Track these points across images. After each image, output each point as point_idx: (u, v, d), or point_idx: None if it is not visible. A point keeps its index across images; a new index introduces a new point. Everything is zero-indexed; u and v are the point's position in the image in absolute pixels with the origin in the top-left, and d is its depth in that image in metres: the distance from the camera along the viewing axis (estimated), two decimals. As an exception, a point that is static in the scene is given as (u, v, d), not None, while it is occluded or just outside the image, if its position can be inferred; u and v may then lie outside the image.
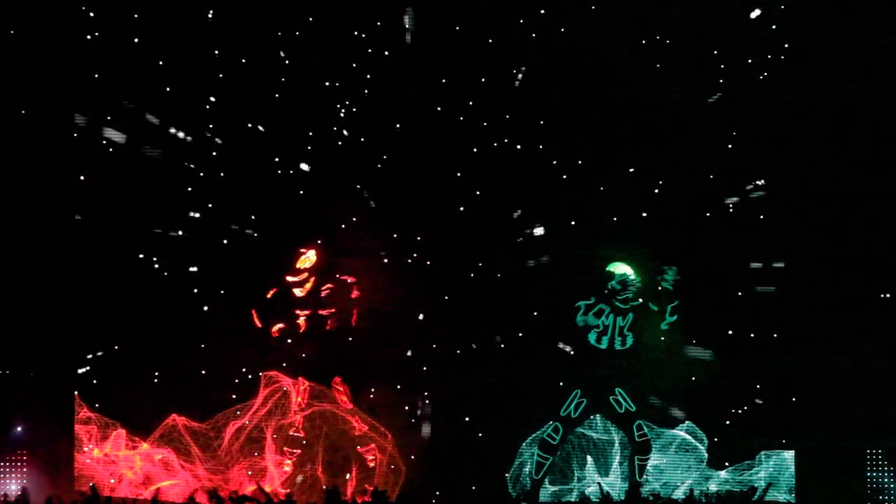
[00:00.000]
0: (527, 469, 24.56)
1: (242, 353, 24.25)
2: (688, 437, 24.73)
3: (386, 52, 24.76)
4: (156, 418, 23.89)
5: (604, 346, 24.26)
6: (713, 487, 24.20)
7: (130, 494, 23.30)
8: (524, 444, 24.80)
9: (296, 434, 24.19)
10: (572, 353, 24.48)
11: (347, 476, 24.16)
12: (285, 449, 24.14)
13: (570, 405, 24.24)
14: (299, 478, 24.04)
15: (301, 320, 24.40)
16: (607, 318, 24.13)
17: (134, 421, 23.84)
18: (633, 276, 24.07)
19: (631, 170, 25.10)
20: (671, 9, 24.73)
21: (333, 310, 24.48)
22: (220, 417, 24.06)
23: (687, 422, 24.85)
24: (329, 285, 24.48)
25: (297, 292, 24.38)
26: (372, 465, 24.19)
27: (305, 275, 24.45)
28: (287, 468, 24.12)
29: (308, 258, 24.44)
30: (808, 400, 24.73)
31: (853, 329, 24.53)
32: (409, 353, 24.69)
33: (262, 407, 24.11)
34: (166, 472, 23.77)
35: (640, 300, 24.29)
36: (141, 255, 23.95)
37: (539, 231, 24.95)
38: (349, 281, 24.46)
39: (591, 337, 24.28)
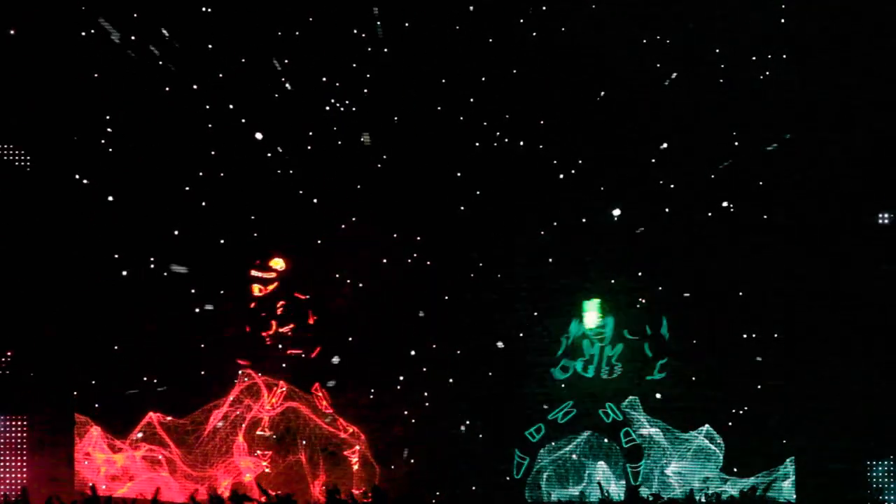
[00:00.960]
0: (544, 476, 24.57)
1: (227, 352, 24.21)
2: (706, 441, 24.67)
3: (386, 51, 24.73)
4: (135, 417, 23.85)
5: (590, 374, 24.04)
6: (734, 492, 24.14)
7: (108, 492, 23.25)
8: (543, 451, 24.78)
9: (263, 433, 24.22)
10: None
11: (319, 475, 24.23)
12: (258, 453, 24.16)
13: (560, 412, 24.08)
14: None
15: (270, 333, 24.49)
16: (593, 348, 23.93)
17: (112, 420, 23.82)
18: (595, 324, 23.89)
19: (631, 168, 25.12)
20: (671, 9, 24.71)
21: (292, 326, 24.54)
22: (198, 414, 24.01)
23: (706, 426, 24.77)
24: (283, 302, 24.51)
25: (255, 288, 24.32)
26: (356, 467, 24.24)
27: (274, 275, 24.45)
28: (267, 470, 24.16)
29: (277, 262, 24.39)
30: (806, 401, 24.67)
31: (853, 330, 24.50)
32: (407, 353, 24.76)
33: (236, 404, 24.08)
34: (148, 470, 23.73)
35: (636, 336, 24.13)
36: (138, 256, 23.98)
37: (616, 212, 24.73)
38: (303, 299, 24.48)
39: (578, 365, 24.09)
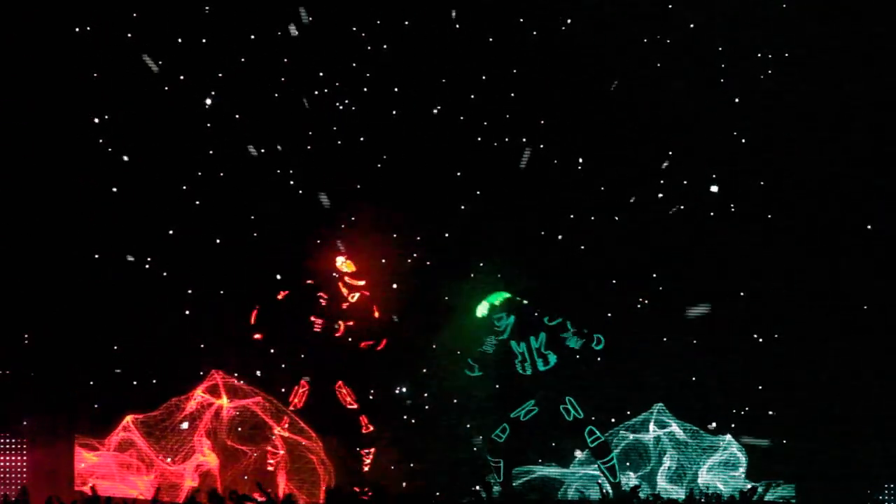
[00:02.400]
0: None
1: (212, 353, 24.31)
2: (736, 450, 24.64)
3: (385, 53, 24.70)
4: (113, 419, 23.92)
5: (529, 372, 23.83)
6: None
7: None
8: (574, 464, 24.74)
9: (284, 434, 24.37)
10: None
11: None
12: (268, 449, 24.25)
13: (522, 410, 23.88)
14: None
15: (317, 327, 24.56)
16: (520, 346, 23.73)
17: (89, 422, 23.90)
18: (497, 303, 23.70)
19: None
20: (671, 9, 24.70)
21: (351, 323, 24.65)
22: (164, 409, 24.07)
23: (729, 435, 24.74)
24: (354, 295, 24.65)
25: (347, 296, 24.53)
26: (367, 466, 24.39)
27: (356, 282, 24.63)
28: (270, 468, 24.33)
29: (348, 263, 24.54)
30: (806, 401, 24.68)
31: (854, 331, 24.52)
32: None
33: (198, 402, 24.18)
34: (119, 468, 23.80)
35: (547, 318, 23.87)
36: (134, 257, 24.01)
37: (714, 189, 24.58)
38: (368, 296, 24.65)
39: (518, 367, 23.94)
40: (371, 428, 24.48)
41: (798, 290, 24.70)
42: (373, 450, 24.43)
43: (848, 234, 24.66)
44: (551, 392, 23.64)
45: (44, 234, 23.48)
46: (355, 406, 24.53)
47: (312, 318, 24.37)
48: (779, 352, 24.82)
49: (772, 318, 24.89)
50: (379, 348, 24.52)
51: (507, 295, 23.61)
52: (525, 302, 23.56)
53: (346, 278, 24.55)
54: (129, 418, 23.67)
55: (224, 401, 24.02)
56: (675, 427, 24.60)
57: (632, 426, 24.75)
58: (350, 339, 24.55)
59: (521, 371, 23.74)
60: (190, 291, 24.14)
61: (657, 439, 24.66)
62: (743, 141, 25.01)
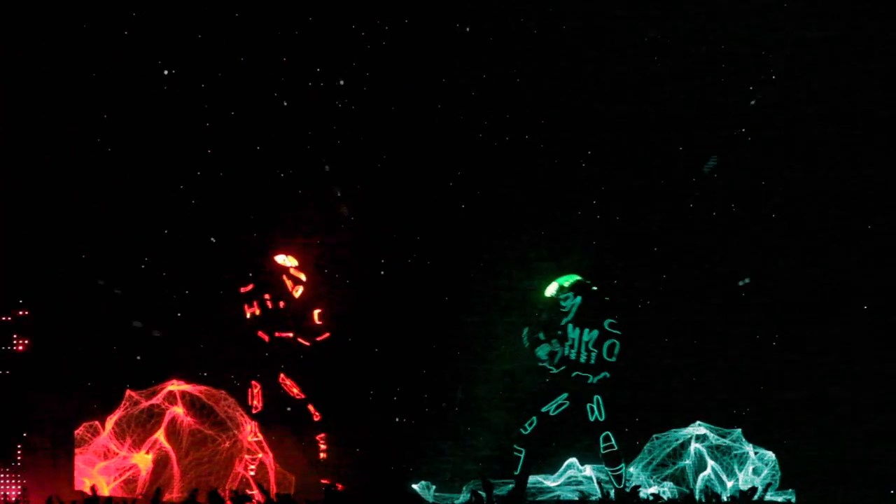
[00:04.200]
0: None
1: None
2: (768, 456, 24.57)
3: (384, 51, 24.64)
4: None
5: (573, 357, 23.70)
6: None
7: None
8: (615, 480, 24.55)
9: (255, 439, 24.45)
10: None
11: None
12: (246, 457, 24.34)
13: (552, 404, 23.85)
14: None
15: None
16: (575, 331, 23.73)
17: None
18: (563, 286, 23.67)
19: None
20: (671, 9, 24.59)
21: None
22: (126, 402, 24.05)
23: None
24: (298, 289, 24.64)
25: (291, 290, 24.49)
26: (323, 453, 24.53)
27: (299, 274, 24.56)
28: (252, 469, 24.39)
29: (289, 258, 24.51)
30: (806, 400, 24.61)
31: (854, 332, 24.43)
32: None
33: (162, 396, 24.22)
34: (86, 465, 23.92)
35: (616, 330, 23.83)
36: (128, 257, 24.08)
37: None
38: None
39: (566, 349, 23.86)
40: (319, 416, 24.51)
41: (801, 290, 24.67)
42: (323, 435, 24.48)
43: (850, 234, 24.56)
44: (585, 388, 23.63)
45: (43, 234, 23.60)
46: (303, 397, 24.57)
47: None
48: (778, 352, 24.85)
49: (772, 319, 24.88)
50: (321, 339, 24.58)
51: (578, 277, 23.65)
52: (594, 288, 23.61)
53: (292, 270, 24.52)
54: (112, 419, 23.86)
55: (179, 410, 24.17)
56: (710, 434, 24.58)
57: (667, 434, 24.73)
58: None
59: (565, 354, 23.56)
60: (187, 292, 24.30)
61: (695, 449, 24.62)
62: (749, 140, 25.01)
